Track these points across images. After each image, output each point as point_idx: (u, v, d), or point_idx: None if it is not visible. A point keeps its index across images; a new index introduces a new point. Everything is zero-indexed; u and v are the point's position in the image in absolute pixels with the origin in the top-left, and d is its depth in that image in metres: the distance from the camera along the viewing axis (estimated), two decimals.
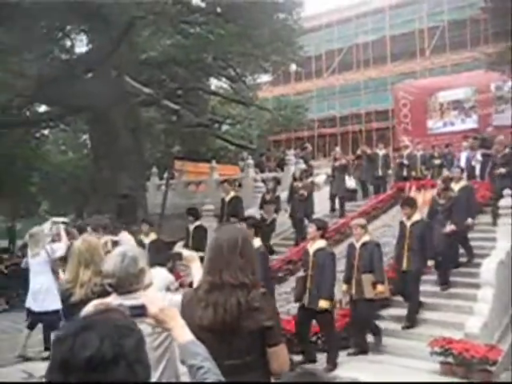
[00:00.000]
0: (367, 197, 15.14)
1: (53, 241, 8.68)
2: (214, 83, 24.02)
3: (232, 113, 24.68)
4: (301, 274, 7.91)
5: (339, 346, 7.52)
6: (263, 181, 16.72)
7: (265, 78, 28.47)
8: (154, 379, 2.85)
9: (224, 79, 21.18)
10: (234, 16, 14.73)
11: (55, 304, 6.50)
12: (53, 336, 1.48)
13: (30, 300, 8.02)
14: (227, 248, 2.76)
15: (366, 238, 7.78)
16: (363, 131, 28.84)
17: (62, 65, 14.51)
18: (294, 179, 13.16)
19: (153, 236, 9.81)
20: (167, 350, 3.14)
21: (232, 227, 3.13)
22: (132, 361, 1.42)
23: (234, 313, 2.64)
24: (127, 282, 3.10)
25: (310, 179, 13.77)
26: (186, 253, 3.77)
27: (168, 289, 6.57)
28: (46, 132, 23.90)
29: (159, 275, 5.70)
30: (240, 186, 18.24)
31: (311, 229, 7.44)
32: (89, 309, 2.58)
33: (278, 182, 15.63)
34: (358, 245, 7.74)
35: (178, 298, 3.13)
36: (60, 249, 8.01)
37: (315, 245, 7.33)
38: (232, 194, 10.99)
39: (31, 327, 8.07)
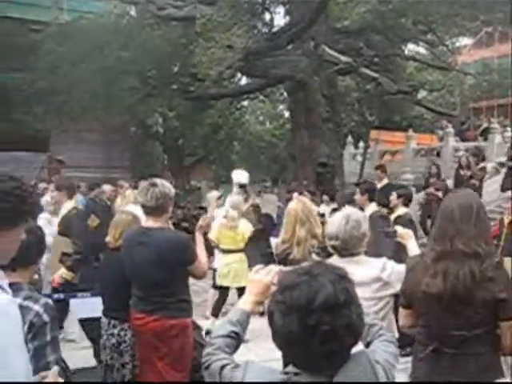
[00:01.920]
0: None
1: None
2: (410, 49, 23.05)
3: (429, 79, 23.50)
4: None
5: None
6: (466, 150, 15.79)
7: (463, 41, 26.50)
8: None
9: (421, 43, 20.17)
10: None
11: None
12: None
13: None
14: (459, 215, 2.65)
15: None
16: None
17: (264, 38, 15.13)
18: (461, 166, 12.01)
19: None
20: (386, 316, 3.12)
21: (465, 193, 2.95)
22: (358, 306, 1.51)
23: (466, 282, 2.55)
24: (350, 244, 3.13)
25: (480, 165, 12.38)
26: (400, 230, 3.73)
27: None
28: (245, 103, 25.29)
29: None
30: (438, 155, 17.52)
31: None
32: None
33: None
34: None
35: (400, 266, 3.11)
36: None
37: None
38: (385, 181, 9.64)
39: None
